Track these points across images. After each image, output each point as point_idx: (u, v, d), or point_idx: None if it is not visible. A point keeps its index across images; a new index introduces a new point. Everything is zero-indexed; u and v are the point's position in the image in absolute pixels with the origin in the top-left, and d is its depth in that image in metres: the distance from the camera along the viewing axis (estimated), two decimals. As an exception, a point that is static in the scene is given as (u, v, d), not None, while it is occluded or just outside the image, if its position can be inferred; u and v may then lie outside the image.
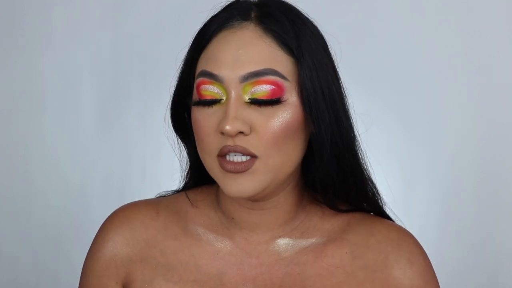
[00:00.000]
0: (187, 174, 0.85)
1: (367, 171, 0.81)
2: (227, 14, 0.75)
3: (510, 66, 1.39)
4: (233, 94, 0.71)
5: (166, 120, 0.80)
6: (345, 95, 0.78)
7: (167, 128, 0.81)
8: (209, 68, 0.73)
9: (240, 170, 0.71)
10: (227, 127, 0.69)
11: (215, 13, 0.76)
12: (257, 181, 0.72)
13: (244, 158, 0.71)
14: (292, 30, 0.73)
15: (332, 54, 0.78)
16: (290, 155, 0.73)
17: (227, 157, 0.72)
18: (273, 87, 0.71)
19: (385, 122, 1.47)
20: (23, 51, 1.68)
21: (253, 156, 0.71)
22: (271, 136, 0.71)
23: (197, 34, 0.77)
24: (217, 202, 0.82)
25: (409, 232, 0.81)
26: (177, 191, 0.87)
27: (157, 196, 0.87)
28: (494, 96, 1.41)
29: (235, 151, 0.71)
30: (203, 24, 0.77)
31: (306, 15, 0.77)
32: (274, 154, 0.72)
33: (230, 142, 0.71)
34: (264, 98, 0.71)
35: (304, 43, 0.73)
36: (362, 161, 0.80)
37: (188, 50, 0.78)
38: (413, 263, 0.78)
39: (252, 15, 0.74)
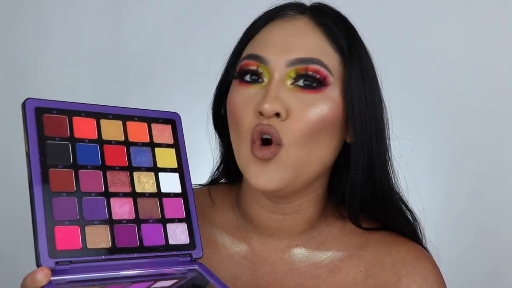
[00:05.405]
0: (217, 169, 0.85)
1: (399, 190, 0.79)
2: (281, 7, 0.75)
3: (509, 65, 1.40)
4: (276, 76, 0.70)
5: (208, 114, 0.80)
6: (386, 114, 0.77)
7: (207, 123, 0.81)
8: (255, 51, 0.71)
9: (267, 156, 0.68)
10: (266, 105, 0.67)
11: (270, 8, 0.76)
12: (283, 173, 0.69)
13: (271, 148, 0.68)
14: (344, 31, 0.73)
15: (377, 73, 0.77)
16: (317, 153, 0.71)
17: (257, 142, 0.69)
18: (317, 75, 0.70)
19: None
20: (23, 50, 1.67)
21: (280, 145, 0.69)
22: (305, 125, 0.69)
23: (248, 26, 0.76)
24: (236, 203, 0.81)
25: (429, 256, 0.78)
26: (202, 185, 0.86)
27: None
28: (493, 95, 1.42)
29: (268, 131, 0.68)
30: (257, 17, 0.76)
31: (360, 33, 0.77)
32: (300, 145, 0.69)
33: (264, 122, 0.68)
34: (307, 83, 0.70)
35: (354, 47, 0.73)
36: (394, 180, 0.78)
37: (238, 41, 0.77)
38: None
39: (307, 11, 0.75)
